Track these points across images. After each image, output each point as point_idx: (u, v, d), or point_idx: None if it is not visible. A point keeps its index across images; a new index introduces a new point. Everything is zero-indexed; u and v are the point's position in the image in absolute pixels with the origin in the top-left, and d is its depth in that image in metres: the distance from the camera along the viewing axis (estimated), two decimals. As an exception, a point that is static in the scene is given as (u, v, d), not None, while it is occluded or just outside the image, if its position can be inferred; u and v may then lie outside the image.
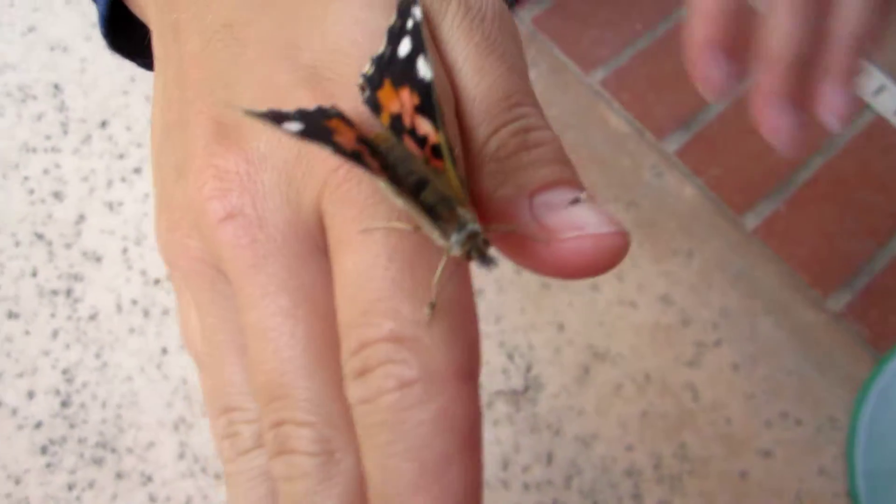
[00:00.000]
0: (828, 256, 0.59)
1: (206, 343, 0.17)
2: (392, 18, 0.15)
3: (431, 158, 0.14)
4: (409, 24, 0.14)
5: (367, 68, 0.15)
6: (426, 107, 0.14)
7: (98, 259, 0.63)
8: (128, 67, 0.69)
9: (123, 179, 0.65)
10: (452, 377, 0.13)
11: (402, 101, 0.14)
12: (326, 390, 0.15)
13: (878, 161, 0.62)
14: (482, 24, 0.16)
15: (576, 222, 0.14)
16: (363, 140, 0.14)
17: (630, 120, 0.64)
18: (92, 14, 0.71)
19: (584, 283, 0.59)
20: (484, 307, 0.60)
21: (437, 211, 0.13)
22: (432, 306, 0.13)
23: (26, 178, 0.65)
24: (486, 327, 0.59)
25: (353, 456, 0.14)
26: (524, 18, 0.68)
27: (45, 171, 0.65)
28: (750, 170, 0.61)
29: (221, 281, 0.16)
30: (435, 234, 0.13)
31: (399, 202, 0.13)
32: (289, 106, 0.15)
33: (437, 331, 0.14)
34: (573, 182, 0.15)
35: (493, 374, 0.57)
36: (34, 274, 0.62)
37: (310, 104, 0.15)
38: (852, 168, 0.62)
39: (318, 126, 0.13)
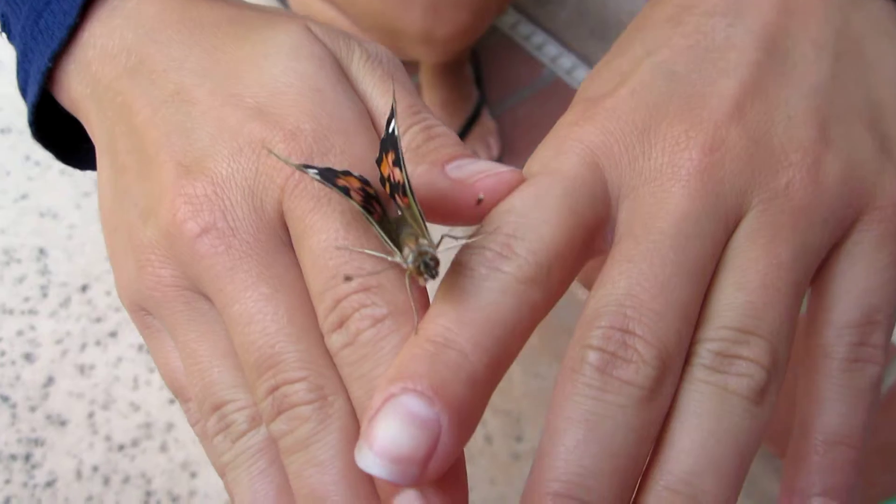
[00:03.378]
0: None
1: (188, 357, 0.19)
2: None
3: (401, 197, 0.18)
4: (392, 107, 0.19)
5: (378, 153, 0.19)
6: (399, 159, 0.18)
7: (62, 423, 0.62)
8: (114, 234, 0.71)
9: (98, 343, 0.65)
10: (412, 311, 0.17)
11: (388, 162, 0.18)
12: (312, 349, 0.17)
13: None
14: (381, 63, 0.21)
15: (478, 169, 0.19)
16: (365, 190, 0.18)
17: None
18: (84, 183, 0.74)
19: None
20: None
21: (405, 241, 0.17)
22: (385, 266, 0.17)
23: (-1, 340, 0.66)
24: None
25: (343, 396, 0.17)
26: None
27: (20, 333, 0.66)
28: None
29: (196, 299, 0.19)
30: (397, 255, 0.17)
31: (378, 231, 0.17)
32: (243, 138, 0.19)
33: (393, 278, 0.17)
34: (469, 154, 0.20)
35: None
36: (-6, 438, 0.61)
37: (261, 133, 0.19)
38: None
39: (329, 176, 0.18)
